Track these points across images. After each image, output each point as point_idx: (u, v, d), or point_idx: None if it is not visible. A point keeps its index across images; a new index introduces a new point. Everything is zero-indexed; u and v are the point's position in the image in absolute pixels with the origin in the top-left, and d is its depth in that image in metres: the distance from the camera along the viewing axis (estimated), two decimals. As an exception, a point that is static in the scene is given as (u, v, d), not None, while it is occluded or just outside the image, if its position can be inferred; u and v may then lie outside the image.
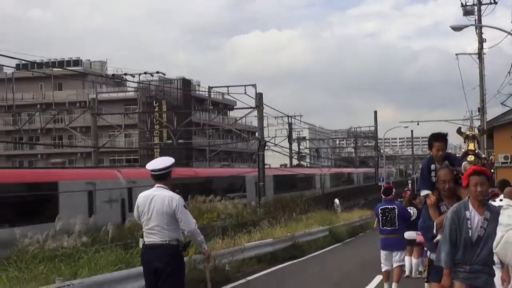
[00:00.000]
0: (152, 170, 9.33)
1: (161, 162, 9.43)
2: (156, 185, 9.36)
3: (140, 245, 9.68)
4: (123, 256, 15.35)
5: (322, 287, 17.33)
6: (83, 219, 22.84)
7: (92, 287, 12.32)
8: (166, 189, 9.30)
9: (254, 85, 46.96)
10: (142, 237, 9.45)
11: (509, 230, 6.11)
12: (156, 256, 9.16)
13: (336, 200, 52.11)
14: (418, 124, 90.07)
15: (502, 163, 47.23)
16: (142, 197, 9.39)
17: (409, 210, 16.38)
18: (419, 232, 16.52)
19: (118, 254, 15.48)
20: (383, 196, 15.61)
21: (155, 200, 9.20)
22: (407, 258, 17.24)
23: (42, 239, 18.85)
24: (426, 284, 10.30)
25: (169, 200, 9.15)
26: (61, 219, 21.78)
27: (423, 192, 8.93)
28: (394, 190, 15.89)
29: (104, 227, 20.81)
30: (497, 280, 7.95)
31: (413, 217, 16.57)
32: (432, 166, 8.91)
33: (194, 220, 9.41)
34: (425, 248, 17.21)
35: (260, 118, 46.44)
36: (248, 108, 49.63)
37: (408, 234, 16.17)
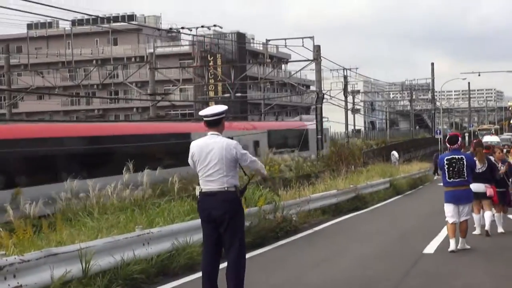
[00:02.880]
0: (205, 116, 9.31)
1: (214, 108, 9.45)
2: (210, 132, 9.32)
3: (197, 193, 9.64)
4: (195, 206, 15.53)
5: (390, 238, 17.23)
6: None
7: (169, 235, 12.58)
8: (220, 135, 9.34)
9: (312, 37, 46.73)
10: (199, 185, 9.44)
11: None
12: (215, 203, 9.14)
13: (394, 153, 51.71)
14: (479, 75, 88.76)
15: None
16: (197, 145, 9.34)
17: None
18: (488, 185, 16.47)
19: (189, 204, 15.69)
20: (448, 145, 14.73)
21: (212, 147, 9.18)
22: (474, 215, 16.35)
23: (110, 190, 19.08)
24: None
25: (226, 145, 9.15)
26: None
27: None
28: (460, 138, 14.98)
29: (171, 178, 20.99)
30: None
31: (482, 169, 16.23)
32: None
33: (252, 156, 9.52)
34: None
35: (318, 70, 46.17)
36: (305, 60, 49.42)
37: (476, 187, 15.82)
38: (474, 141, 19.05)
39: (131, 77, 61.67)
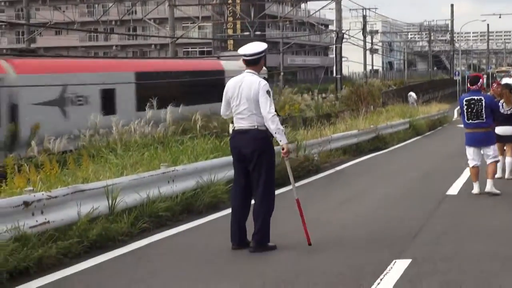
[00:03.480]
0: (244, 55, 9.22)
1: (253, 47, 9.27)
2: (246, 70, 9.28)
3: (230, 131, 9.65)
4: (218, 145, 15.55)
5: (412, 178, 17.17)
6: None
7: (194, 173, 12.59)
8: (256, 74, 9.22)
9: (332, -24, 46.28)
10: (232, 123, 9.42)
11: None
12: (245, 141, 9.14)
13: (412, 94, 51.20)
14: (500, 17, 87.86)
15: None
16: (232, 82, 9.30)
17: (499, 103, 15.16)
18: None
19: (213, 142, 15.69)
20: (469, 86, 14.41)
21: (243, 85, 9.12)
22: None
23: (134, 127, 19.10)
24: None
25: (256, 84, 9.05)
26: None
27: None
28: (482, 79, 14.51)
29: (194, 115, 21.00)
30: None
31: (511, 111, 15.69)
32: None
33: (274, 109, 9.05)
34: None
35: (338, 10, 45.84)
36: (325, 0, 49.00)
37: (503, 129, 15.48)
38: (499, 83, 17.97)
39: (150, 14, 61.32)
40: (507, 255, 8.91)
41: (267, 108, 8.97)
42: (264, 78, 9.44)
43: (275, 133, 9.06)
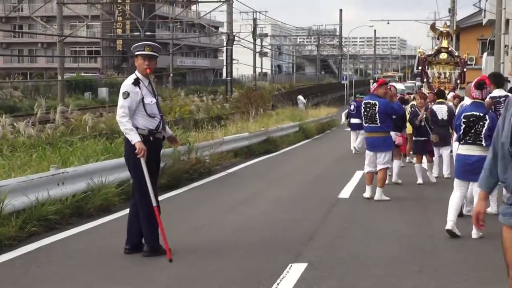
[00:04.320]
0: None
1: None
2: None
3: None
4: (108, 146, 15.26)
5: (304, 182, 17.26)
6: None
7: (84, 175, 12.26)
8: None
9: (224, -21, 46.30)
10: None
11: None
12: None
13: (301, 97, 51.82)
14: (388, 23, 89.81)
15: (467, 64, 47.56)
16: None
17: (399, 106, 14.83)
18: (398, 134, 16.25)
19: (103, 144, 15.40)
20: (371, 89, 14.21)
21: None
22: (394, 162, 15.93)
23: (21, 127, 18.54)
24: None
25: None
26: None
27: None
28: (386, 84, 14.43)
29: (84, 118, 20.57)
30: None
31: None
32: None
33: (122, 111, 8.76)
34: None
35: (230, 12, 45.94)
36: (216, 1, 48.95)
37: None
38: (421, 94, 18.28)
39: (37, 11, 59.97)
40: (402, 258, 9.01)
41: (118, 111, 8.87)
42: (135, 79, 9.07)
43: (125, 134, 8.88)
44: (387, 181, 14.77)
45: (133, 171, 9.02)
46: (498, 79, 12.66)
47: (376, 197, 13.77)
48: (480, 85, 10.11)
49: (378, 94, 13.81)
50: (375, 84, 14.27)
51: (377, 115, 13.60)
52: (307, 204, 13.64)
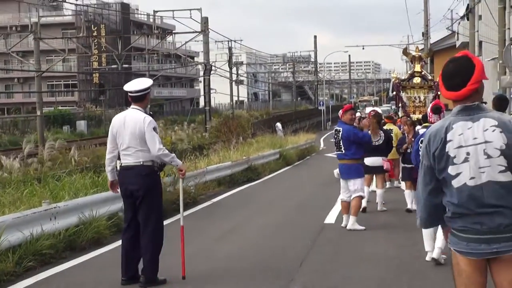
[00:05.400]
0: (129, 92, 9.27)
1: (139, 84, 9.28)
2: (132, 106, 9.32)
3: (118, 167, 9.68)
4: (96, 180, 15.45)
5: (289, 208, 17.48)
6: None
7: (75, 209, 12.43)
8: (141, 111, 9.27)
9: (199, 9, 46.64)
10: (119, 159, 9.45)
11: None
12: (131, 178, 9.17)
13: (278, 124, 52.10)
14: (363, 48, 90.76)
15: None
16: (117, 119, 9.34)
17: (363, 133, 14.18)
18: (385, 158, 16.29)
19: (91, 177, 15.59)
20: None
21: (129, 121, 9.14)
22: (365, 188, 15.44)
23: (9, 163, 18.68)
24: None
25: (140, 121, 9.08)
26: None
27: None
28: (353, 109, 14.15)
29: (70, 152, 20.76)
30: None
31: (378, 142, 15.86)
32: None
33: (161, 145, 9.11)
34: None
35: (206, 42, 46.28)
36: (192, 32, 49.27)
37: (372, 161, 15.62)
38: (370, 114, 17.33)
39: (14, 47, 60.13)
40: (392, 280, 9.26)
41: (156, 145, 9.03)
42: (150, 114, 9.46)
43: (171, 162, 9.29)
44: (379, 208, 14.99)
45: (154, 206, 9.30)
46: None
47: (349, 226, 13.53)
48: (437, 109, 10.36)
49: (344, 120, 13.64)
50: (340, 110, 14.06)
51: (341, 141, 13.47)
52: (294, 230, 13.87)
